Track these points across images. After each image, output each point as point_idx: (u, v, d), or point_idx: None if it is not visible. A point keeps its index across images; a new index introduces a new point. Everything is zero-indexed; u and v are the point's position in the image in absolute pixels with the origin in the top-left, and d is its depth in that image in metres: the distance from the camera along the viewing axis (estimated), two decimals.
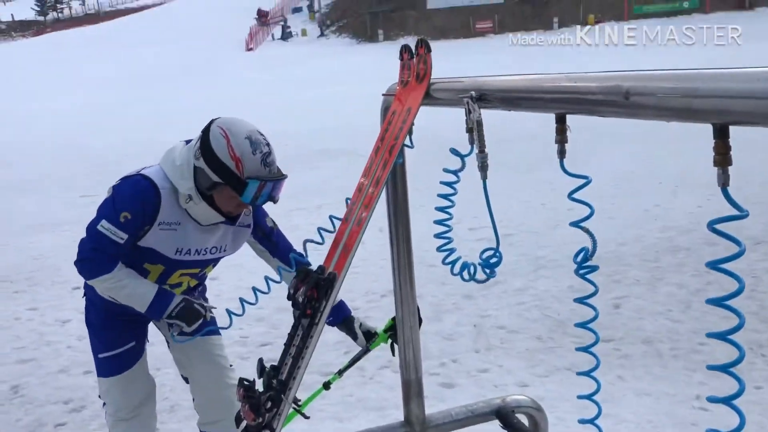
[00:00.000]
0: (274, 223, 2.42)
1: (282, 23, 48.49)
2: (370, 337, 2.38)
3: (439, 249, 1.69)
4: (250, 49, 48.31)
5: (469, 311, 4.29)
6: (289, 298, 1.81)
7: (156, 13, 59.61)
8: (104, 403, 2.39)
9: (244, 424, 1.80)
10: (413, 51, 1.74)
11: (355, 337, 2.39)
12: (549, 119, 1.19)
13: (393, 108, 1.86)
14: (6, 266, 6.22)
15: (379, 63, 34.67)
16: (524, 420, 2.11)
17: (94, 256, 2.09)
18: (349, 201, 1.84)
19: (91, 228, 2.09)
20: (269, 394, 1.73)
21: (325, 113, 18.58)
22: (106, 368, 2.32)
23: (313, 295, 1.76)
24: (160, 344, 2.57)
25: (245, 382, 1.80)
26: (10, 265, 6.27)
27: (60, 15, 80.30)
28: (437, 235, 1.68)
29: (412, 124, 1.77)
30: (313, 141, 13.53)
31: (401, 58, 1.79)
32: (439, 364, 3.54)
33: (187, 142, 2.19)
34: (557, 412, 2.89)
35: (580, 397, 1.46)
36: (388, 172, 1.81)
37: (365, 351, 2.44)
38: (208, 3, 55.46)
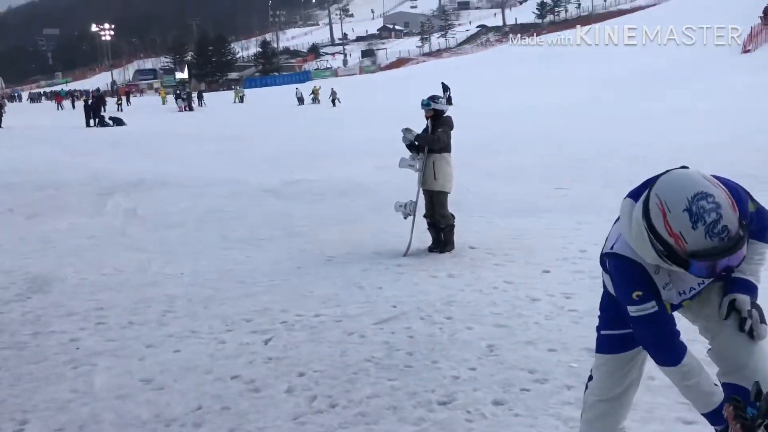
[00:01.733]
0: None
1: None
2: (730, 311, 2.13)
3: None
4: (747, 51, 43.90)
5: None
6: None
7: (648, 14, 58.78)
8: (590, 378, 2.54)
9: None
10: None
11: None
12: None
13: None
14: (490, 241, 7.11)
15: None
16: None
17: (654, 340, 2.16)
18: None
19: (629, 318, 2.17)
20: (766, 422, 1.62)
21: None
22: (604, 344, 2.44)
23: None
24: None
25: (735, 401, 1.73)
26: (493, 240, 7.16)
27: (556, 17, 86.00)
28: None
29: None
30: None
31: None
32: None
33: (638, 192, 2.07)
34: None
35: None
36: None
37: None
38: (706, 2, 52.16)
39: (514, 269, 6.05)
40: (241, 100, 50.47)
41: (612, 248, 2.16)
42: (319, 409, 3.46)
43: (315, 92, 46.21)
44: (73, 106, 47.24)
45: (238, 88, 58.26)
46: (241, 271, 6.34)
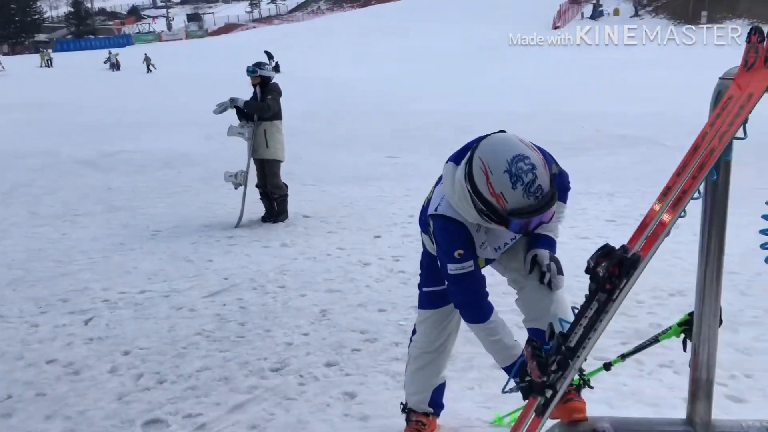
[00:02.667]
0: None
1: (594, 1, 46.71)
2: (533, 265, 2.33)
3: (763, 246, 1.60)
4: (557, 27, 47.62)
5: None
6: (587, 271, 1.85)
7: None
8: (414, 332, 2.67)
9: (526, 380, 1.92)
10: (765, 33, 1.63)
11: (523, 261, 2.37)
12: None
13: (729, 93, 1.77)
14: (324, 209, 7.19)
15: (698, 48, 31.68)
16: None
17: (467, 298, 2.28)
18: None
19: (446, 275, 2.27)
20: (557, 358, 1.82)
21: (627, 97, 17.66)
22: (426, 300, 2.58)
23: (615, 272, 1.79)
24: None
25: (533, 342, 1.92)
26: (326, 208, 7.24)
27: None
28: (764, 231, 1.58)
29: (749, 112, 1.67)
30: (613, 125, 13.00)
31: (749, 40, 1.69)
32: (728, 376, 3.27)
33: (459, 156, 2.19)
34: None
35: None
36: (713, 162, 1.74)
37: (653, 341, 2.39)
38: None
39: (347, 236, 6.17)
40: (49, 64, 45.97)
41: (436, 210, 2.26)
42: (146, 387, 3.33)
43: (113, 57, 42.66)
44: None
45: (45, 51, 52.85)
46: (56, 250, 5.88)
